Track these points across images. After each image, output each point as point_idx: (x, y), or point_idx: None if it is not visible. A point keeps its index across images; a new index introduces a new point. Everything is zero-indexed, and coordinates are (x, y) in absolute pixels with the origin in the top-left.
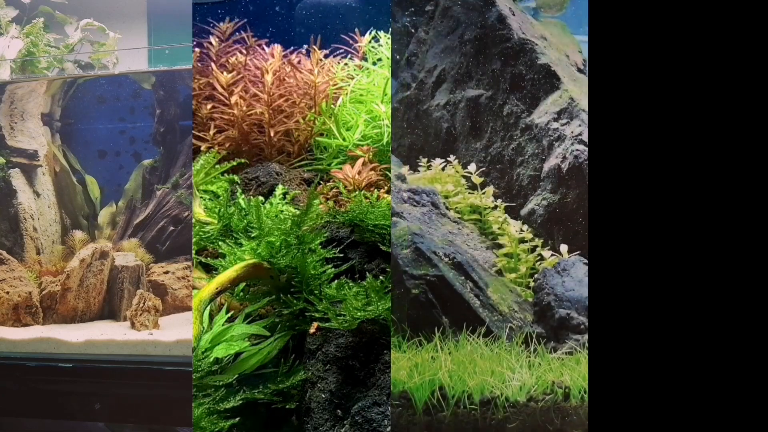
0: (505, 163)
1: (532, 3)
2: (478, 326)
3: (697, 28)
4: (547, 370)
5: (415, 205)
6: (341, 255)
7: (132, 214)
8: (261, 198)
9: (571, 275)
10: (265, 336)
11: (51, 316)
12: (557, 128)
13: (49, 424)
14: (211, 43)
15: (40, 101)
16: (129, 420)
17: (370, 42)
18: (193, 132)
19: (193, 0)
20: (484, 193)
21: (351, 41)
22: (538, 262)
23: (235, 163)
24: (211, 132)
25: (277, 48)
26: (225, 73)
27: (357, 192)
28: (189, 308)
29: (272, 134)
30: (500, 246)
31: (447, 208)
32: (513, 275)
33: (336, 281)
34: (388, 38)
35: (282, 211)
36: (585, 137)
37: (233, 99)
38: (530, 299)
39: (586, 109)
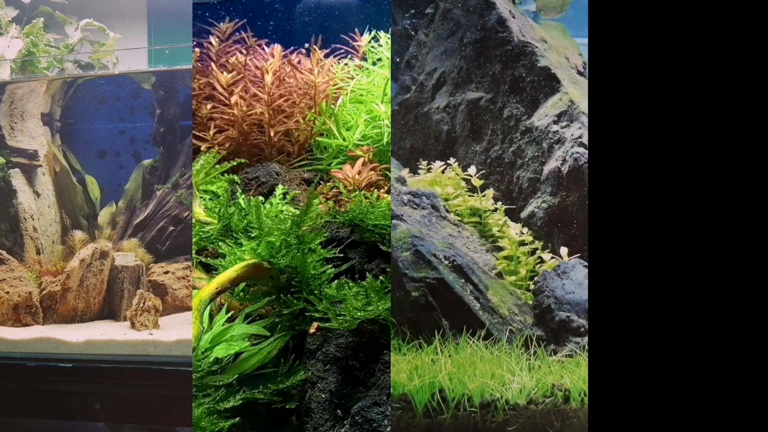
0: (505, 165)
1: (532, 6)
2: (478, 329)
3: (697, 31)
4: (547, 373)
5: (415, 208)
6: (341, 255)
7: (132, 214)
8: (261, 198)
9: (571, 278)
10: (265, 336)
11: (51, 316)
12: (557, 131)
13: (49, 424)
14: (211, 43)
15: (40, 101)
16: (129, 420)
17: (369, 42)
18: (193, 132)
19: (193, 0)
20: (484, 196)
21: (351, 41)
22: (538, 265)
23: (235, 163)
24: (211, 132)
25: (277, 48)
26: (225, 73)
27: (357, 192)
28: (189, 308)
29: (272, 134)
30: (500, 249)
31: (447, 211)
32: (513, 278)
33: (336, 281)
34: (388, 38)
35: (282, 211)
36: (585, 140)
37: (233, 99)
38: (530, 302)
39: (586, 112)
